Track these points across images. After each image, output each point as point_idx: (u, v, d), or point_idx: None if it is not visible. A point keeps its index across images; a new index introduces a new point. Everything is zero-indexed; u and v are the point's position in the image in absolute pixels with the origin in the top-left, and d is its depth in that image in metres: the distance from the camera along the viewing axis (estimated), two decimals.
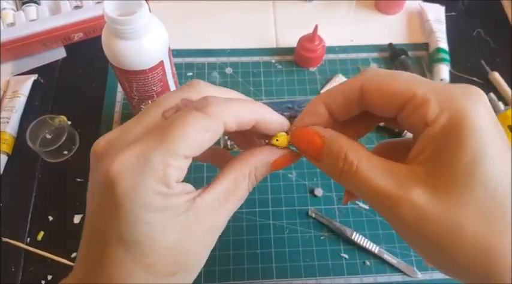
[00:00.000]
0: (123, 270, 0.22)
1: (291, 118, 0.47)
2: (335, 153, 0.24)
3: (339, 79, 0.53)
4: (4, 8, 0.53)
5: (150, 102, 0.38)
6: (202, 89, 0.25)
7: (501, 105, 0.51)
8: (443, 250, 0.22)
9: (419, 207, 0.21)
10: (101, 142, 0.24)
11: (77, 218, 0.44)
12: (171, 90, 0.39)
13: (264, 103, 0.28)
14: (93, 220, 0.23)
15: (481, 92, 0.22)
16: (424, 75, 0.51)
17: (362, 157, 0.23)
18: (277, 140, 0.27)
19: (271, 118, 0.26)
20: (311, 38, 0.52)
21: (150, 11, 0.33)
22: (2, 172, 0.46)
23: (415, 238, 0.23)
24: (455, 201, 0.21)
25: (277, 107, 0.49)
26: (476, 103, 0.22)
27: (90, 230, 0.24)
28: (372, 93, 0.24)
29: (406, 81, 0.23)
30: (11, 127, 0.48)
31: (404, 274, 0.42)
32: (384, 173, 0.23)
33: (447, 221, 0.21)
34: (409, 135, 0.31)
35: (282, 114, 0.42)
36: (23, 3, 0.53)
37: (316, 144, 0.25)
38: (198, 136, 0.22)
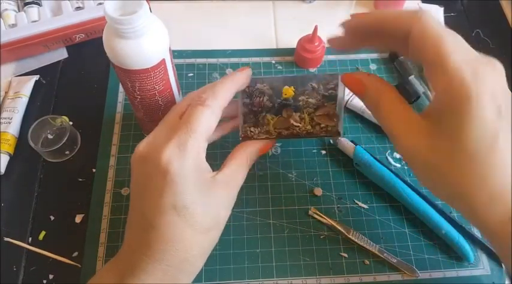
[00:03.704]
0: (176, 229, 0.31)
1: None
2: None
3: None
4: (6, 9, 0.53)
5: (152, 100, 0.39)
6: (196, 93, 0.35)
7: None
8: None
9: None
10: (141, 146, 0.33)
11: (78, 218, 0.44)
12: (173, 88, 0.40)
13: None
14: (146, 198, 0.32)
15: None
16: (423, 76, 0.51)
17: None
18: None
19: (243, 84, 0.37)
20: (311, 38, 0.53)
21: (150, 11, 0.34)
22: (4, 172, 0.46)
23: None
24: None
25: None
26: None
27: (140, 207, 0.32)
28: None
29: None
30: (13, 128, 0.48)
31: (404, 273, 0.42)
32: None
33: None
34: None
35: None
36: (25, 4, 0.53)
37: (360, 88, 0.35)
38: (208, 121, 0.33)
